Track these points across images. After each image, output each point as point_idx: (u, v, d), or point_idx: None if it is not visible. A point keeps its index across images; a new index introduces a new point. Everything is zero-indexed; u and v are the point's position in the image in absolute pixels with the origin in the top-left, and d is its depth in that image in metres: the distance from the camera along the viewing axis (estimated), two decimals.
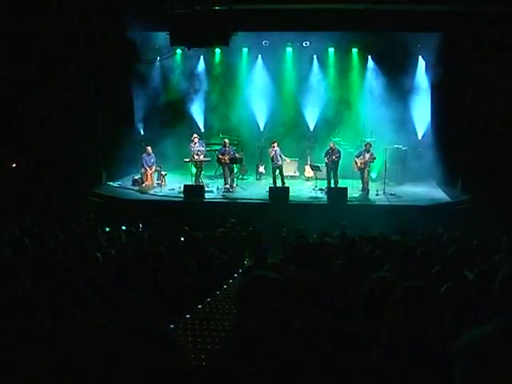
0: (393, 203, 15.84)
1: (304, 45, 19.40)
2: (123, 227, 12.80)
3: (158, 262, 7.09)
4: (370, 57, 19.58)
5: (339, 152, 16.93)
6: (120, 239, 10.31)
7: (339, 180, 17.23)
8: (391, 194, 16.53)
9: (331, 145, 17.01)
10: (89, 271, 5.82)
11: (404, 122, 18.13)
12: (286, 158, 18.01)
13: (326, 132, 19.23)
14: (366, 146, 16.75)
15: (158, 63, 19.48)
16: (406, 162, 18.30)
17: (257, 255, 8.72)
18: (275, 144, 17.05)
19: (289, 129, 19.47)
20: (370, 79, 19.45)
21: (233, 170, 17.77)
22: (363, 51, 19.47)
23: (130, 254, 7.75)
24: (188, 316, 7.17)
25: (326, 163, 17.08)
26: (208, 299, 8.31)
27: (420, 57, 18.91)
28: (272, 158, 17.08)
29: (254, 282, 2.63)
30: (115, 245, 9.43)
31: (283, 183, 17.34)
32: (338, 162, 16.85)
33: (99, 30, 16.60)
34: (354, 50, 19.69)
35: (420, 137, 19.28)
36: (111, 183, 18.24)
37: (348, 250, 8.03)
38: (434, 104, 18.53)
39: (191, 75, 20.10)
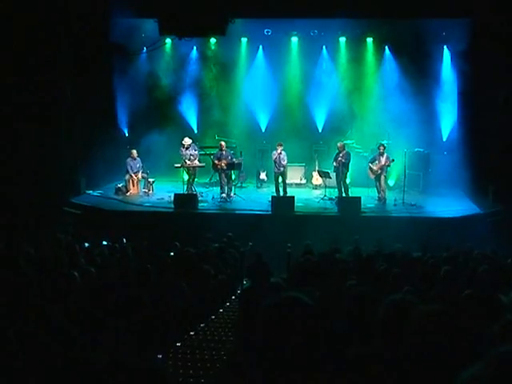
0: (413, 215, 15.83)
1: (311, 34, 19.50)
2: (105, 242, 12.80)
3: (144, 282, 7.09)
4: (387, 47, 19.67)
5: (349, 154, 16.97)
6: (101, 256, 10.30)
7: (351, 188, 17.25)
8: (411, 205, 16.52)
9: (339, 145, 17.05)
10: (65, 294, 5.82)
11: (426, 122, 18.15)
12: (284, 161, 17.97)
13: (336, 134, 19.25)
14: (379, 148, 16.79)
15: (144, 55, 19.57)
16: (428, 167, 18.32)
17: (257, 274, 8.70)
18: (281, 146, 17.08)
19: (294, 130, 19.49)
20: (387, 73, 19.53)
21: (230, 177, 17.81)
22: (379, 41, 19.57)
23: (113, 274, 7.75)
24: (179, 344, 7.16)
25: (334, 167, 17.13)
26: (202, 325, 8.29)
27: (445, 47, 19.03)
28: (275, 162, 17.11)
29: (283, 306, 2.60)
30: (96, 263, 9.42)
31: (285, 192, 17.36)
32: (346, 164, 16.85)
33: (76, 15, 16.58)
34: (369, 40, 19.80)
35: (445, 138, 19.34)
36: (91, 192, 18.26)
37: (362, 268, 8.02)
38: (461, 101, 18.59)
39: (182, 69, 20.18)
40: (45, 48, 16.11)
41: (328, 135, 19.83)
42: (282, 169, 17.19)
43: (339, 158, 16.77)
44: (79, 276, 6.52)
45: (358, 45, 19.72)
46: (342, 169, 16.80)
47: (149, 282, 7.21)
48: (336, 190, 17.24)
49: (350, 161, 16.91)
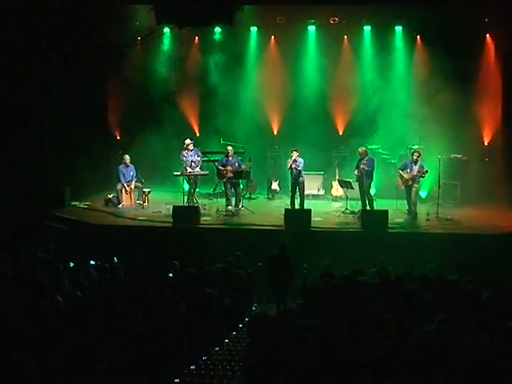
0: (449, 231, 15.75)
1: (331, 22, 19.54)
2: (92, 262, 12.81)
3: (138, 307, 7.09)
4: (418, 37, 19.67)
5: (372, 160, 16.94)
6: (88, 278, 10.31)
7: (376, 200, 17.22)
8: (447, 219, 16.45)
9: (361, 151, 17.03)
10: (47, 321, 5.83)
11: (465, 124, 18.07)
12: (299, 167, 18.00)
13: (359, 137, 19.19)
14: (413, 155, 16.74)
15: (139, 47, 19.66)
16: (466, 176, 18.26)
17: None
18: (296, 152, 17.10)
19: (311, 133, 19.38)
20: (419, 66, 19.48)
21: (238, 187, 17.82)
22: (410, 29, 19.57)
23: (102, 298, 7.75)
24: (177, 381, 7.14)
25: (356, 176, 17.11)
26: (204, 357, 8.27)
27: (488, 36, 18.99)
28: (291, 170, 17.12)
29: (298, 337, 2.60)
30: (82, 286, 9.43)
31: (302, 204, 17.36)
32: (369, 172, 16.80)
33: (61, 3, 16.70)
34: (398, 29, 19.81)
35: (486, 143, 19.26)
36: (77, 203, 18.32)
37: (389, 292, 7.99)
38: (506, 99, 18.53)
39: (183, 63, 20.25)
40: (24, 39, 16.22)
41: (350, 139, 19.77)
42: (300, 178, 17.16)
43: (361, 166, 16.73)
44: (63, 301, 6.53)
45: (385, 34, 19.72)
46: (364, 178, 16.77)
47: (144, 308, 7.21)
48: (359, 202, 17.21)
49: (373, 168, 16.88)
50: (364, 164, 16.71)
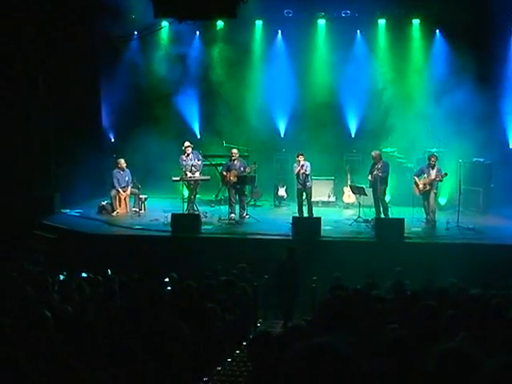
0: (471, 241, 15.69)
1: (343, 15, 19.57)
2: (84, 274, 12.80)
3: (133, 324, 7.06)
4: (438, 31, 19.67)
5: (387, 165, 16.91)
6: (80, 292, 10.30)
7: (392, 207, 17.19)
8: (468, 229, 16.40)
9: (374, 154, 17.00)
10: (34, 338, 5.81)
11: (488, 125, 18.02)
12: (307, 172, 17.97)
13: (373, 140, 19.24)
14: (429, 158, 16.69)
15: (135, 42, 19.71)
16: (490, 181, 18.22)
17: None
18: (302, 157, 17.10)
19: (320, 135, 19.44)
20: (438, 63, 19.49)
21: (242, 193, 17.80)
22: (428, 22, 19.58)
23: (95, 313, 7.73)
24: None
25: (369, 182, 17.09)
26: (205, 378, 8.24)
27: None
28: (297, 176, 17.12)
29: (309, 356, 2.57)
30: (73, 300, 9.41)
31: (310, 212, 17.36)
32: (384, 178, 16.78)
33: None
34: (416, 22, 19.83)
35: (511, 145, 19.25)
36: (68, 211, 18.33)
37: (405, 308, 7.95)
38: None
39: (182, 59, 20.29)
40: (11, 33, 16.24)
41: (363, 142, 19.79)
42: (307, 184, 17.16)
43: (375, 172, 16.71)
44: (52, 316, 6.51)
45: (402, 28, 19.77)
46: (378, 184, 16.74)
47: (140, 324, 7.18)
48: (372, 209, 17.18)
49: (388, 174, 16.86)
50: (378, 169, 16.66)
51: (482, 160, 18.27)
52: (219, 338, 8.89)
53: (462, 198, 16.82)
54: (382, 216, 16.88)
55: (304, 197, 17.35)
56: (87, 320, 7.26)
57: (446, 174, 16.39)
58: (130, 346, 5.92)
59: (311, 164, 17.16)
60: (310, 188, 17.37)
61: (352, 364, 2.58)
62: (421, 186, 16.62)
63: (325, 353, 2.58)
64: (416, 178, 16.80)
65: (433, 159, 16.56)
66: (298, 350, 2.64)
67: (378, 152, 17.08)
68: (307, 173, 16.99)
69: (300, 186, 17.21)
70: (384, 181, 16.81)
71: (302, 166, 16.96)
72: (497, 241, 15.68)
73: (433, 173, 16.50)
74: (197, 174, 17.78)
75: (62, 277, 12.40)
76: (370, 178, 16.92)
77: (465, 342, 5.46)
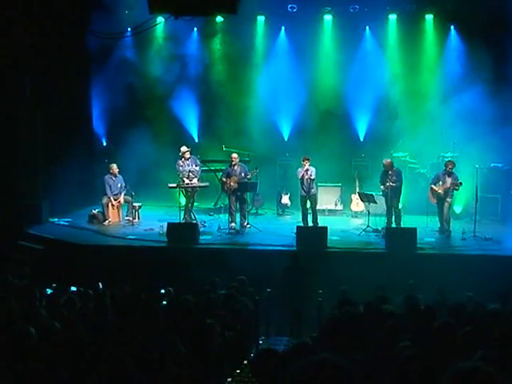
0: (488, 252, 15.67)
1: (351, 10, 19.60)
2: (74, 288, 12.79)
3: (126, 341, 7.05)
4: (452, 27, 19.69)
5: (399, 174, 16.91)
6: (69, 306, 10.29)
7: (403, 216, 17.18)
8: (486, 239, 16.38)
9: (386, 162, 16.97)
10: (19, 357, 5.79)
11: (506, 127, 17.97)
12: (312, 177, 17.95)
13: (382, 143, 19.27)
14: (446, 165, 16.68)
15: (128, 39, 19.72)
16: (509, 188, 18.21)
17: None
18: (308, 161, 17.07)
19: (327, 139, 19.47)
20: (452, 61, 19.51)
21: (243, 201, 17.80)
22: (442, 18, 19.61)
23: (84, 330, 7.72)
24: None
25: (382, 192, 17.07)
26: None
27: None
28: (302, 181, 17.10)
29: (314, 374, 2.57)
30: (61, 316, 9.40)
31: (316, 221, 17.35)
32: (398, 188, 16.80)
33: None
34: (429, 17, 19.89)
35: None
36: (56, 220, 18.33)
37: (418, 324, 7.94)
38: None
39: (179, 58, 20.31)
40: None
41: (372, 146, 19.84)
42: (311, 190, 17.14)
43: (388, 183, 16.66)
44: (37, 334, 6.48)
45: (414, 24, 19.81)
46: (392, 194, 16.72)
47: (133, 342, 7.16)
48: (383, 218, 17.15)
49: (402, 182, 16.87)
50: (390, 179, 16.62)
51: (500, 165, 18.27)
52: (218, 356, 8.86)
53: (479, 205, 16.81)
54: (394, 225, 16.88)
55: (309, 205, 17.34)
56: (76, 337, 7.25)
57: (461, 184, 16.36)
58: (123, 366, 5.90)
59: (317, 169, 17.15)
60: (315, 195, 17.37)
61: (354, 382, 2.58)
62: (436, 193, 16.57)
63: (325, 369, 2.58)
64: (433, 187, 16.74)
65: (450, 166, 16.52)
66: (298, 367, 2.64)
67: (389, 160, 16.99)
68: (312, 178, 16.96)
69: (304, 193, 17.17)
70: (398, 191, 16.80)
71: (307, 170, 16.93)
72: None
73: (448, 181, 16.48)
74: (194, 181, 17.79)
75: (49, 291, 12.39)
76: (382, 188, 16.89)
77: (482, 361, 5.43)
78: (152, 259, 15.64)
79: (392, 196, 16.75)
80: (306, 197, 17.24)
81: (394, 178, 16.69)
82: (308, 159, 17.07)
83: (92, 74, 19.90)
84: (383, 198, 17.12)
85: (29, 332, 6.38)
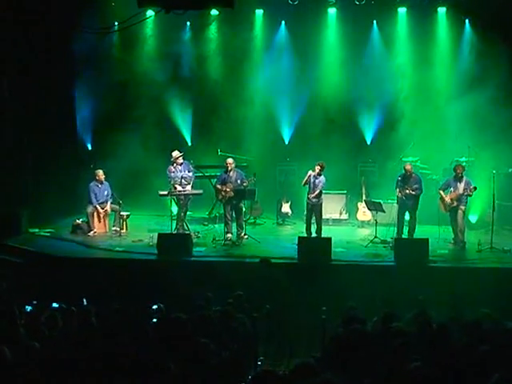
0: (506, 265, 15.68)
1: (357, 3, 19.65)
2: (55, 304, 12.78)
3: (113, 362, 7.03)
4: (467, 21, 19.73)
5: (420, 180, 16.89)
6: (50, 324, 10.27)
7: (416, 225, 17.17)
8: (504, 251, 16.38)
9: (408, 167, 16.93)
10: None
11: None
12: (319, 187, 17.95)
13: (391, 147, 19.25)
14: (455, 169, 16.67)
15: (115, 34, 19.74)
16: None
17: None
18: (320, 168, 16.90)
19: (331, 142, 19.48)
20: (467, 58, 19.54)
21: (240, 210, 17.80)
22: (456, 11, 19.65)
23: (67, 351, 7.70)
24: None
25: (397, 198, 17.03)
26: None
27: None
28: (308, 185, 17.03)
29: None
30: (42, 334, 9.38)
31: (319, 231, 17.35)
32: (417, 198, 16.77)
33: None
34: (441, 11, 19.96)
35: None
36: (37, 231, 18.31)
37: (431, 343, 7.93)
38: None
39: (171, 55, 20.36)
40: None
41: (380, 150, 19.85)
42: (317, 199, 17.11)
43: (407, 190, 16.61)
44: (13, 353, 6.46)
45: (425, 18, 19.89)
46: (411, 203, 16.74)
47: (120, 362, 7.15)
48: (392, 228, 17.10)
49: (422, 191, 16.81)
50: (410, 186, 16.61)
51: None
52: (214, 378, 8.85)
53: (496, 214, 16.75)
54: (405, 235, 16.88)
55: (313, 214, 17.24)
56: (59, 358, 7.24)
57: (475, 188, 16.34)
58: None
59: (326, 180, 17.05)
60: (320, 205, 17.22)
61: None
62: (448, 201, 16.58)
63: None
64: (442, 193, 16.76)
65: (459, 170, 16.52)
66: None
67: (411, 165, 17.03)
68: (319, 188, 16.90)
69: (310, 201, 17.04)
70: (417, 200, 16.80)
71: (315, 177, 16.83)
72: None
73: (460, 186, 16.46)
74: (187, 188, 17.79)
75: (29, 308, 12.37)
76: (399, 194, 16.79)
77: (501, 383, 5.43)
78: (141, 273, 15.61)
79: (411, 205, 16.76)
80: (311, 205, 17.14)
81: (416, 185, 16.66)
82: (322, 166, 16.88)
83: (75, 72, 19.87)
84: (392, 207, 17.12)
85: (3, 353, 6.35)
